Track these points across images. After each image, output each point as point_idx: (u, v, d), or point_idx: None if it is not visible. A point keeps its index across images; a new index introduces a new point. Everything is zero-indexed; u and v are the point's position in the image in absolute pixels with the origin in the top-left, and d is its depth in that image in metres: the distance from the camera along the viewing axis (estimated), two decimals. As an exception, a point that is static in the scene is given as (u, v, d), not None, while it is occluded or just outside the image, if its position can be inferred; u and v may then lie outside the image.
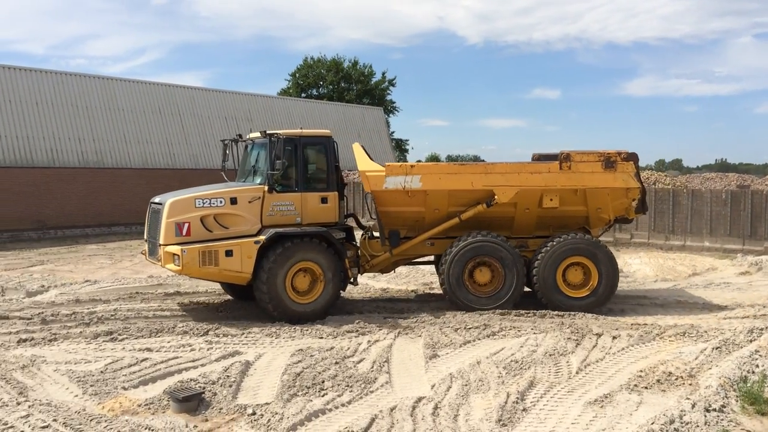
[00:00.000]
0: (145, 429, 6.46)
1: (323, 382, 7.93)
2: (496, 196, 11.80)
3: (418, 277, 15.85)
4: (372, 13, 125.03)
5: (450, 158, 78.57)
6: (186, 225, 10.66)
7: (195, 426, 6.66)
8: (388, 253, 12.18)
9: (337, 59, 55.00)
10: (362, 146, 12.62)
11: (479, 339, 9.91)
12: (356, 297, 13.46)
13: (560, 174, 11.90)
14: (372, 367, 8.57)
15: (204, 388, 7.58)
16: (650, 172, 27.11)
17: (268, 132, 11.43)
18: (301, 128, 11.92)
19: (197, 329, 10.30)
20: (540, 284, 11.76)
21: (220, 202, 10.89)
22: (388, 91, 56.37)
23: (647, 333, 10.10)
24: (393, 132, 53.67)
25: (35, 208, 25.86)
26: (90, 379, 7.97)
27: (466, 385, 7.83)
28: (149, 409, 7.13)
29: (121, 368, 8.41)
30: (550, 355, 9.00)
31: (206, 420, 6.91)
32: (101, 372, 8.23)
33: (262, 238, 10.81)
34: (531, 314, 11.44)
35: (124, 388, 7.76)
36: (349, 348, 9.36)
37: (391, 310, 12.09)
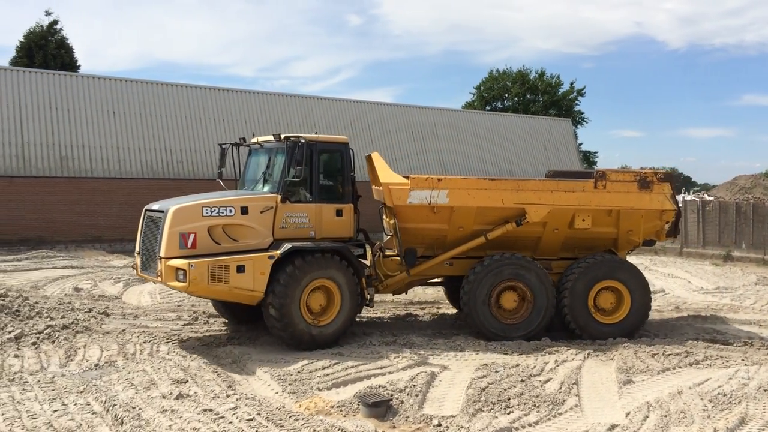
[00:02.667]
0: (338, 430, 6.76)
1: (509, 399, 7.78)
2: (527, 215, 10.87)
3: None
4: (563, 21, 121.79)
5: (643, 171, 73.72)
6: (192, 236, 9.54)
7: (383, 432, 6.85)
8: (405, 273, 11.20)
9: (523, 71, 54.26)
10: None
11: (680, 367, 9.16)
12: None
13: (594, 193, 11.03)
14: (560, 387, 8.25)
15: (392, 395, 7.78)
16: None
17: (285, 135, 10.42)
18: (315, 133, 11.07)
19: (385, 339, 10.62)
20: (570, 309, 10.88)
21: (230, 211, 9.84)
22: (576, 102, 54.39)
23: None
24: (581, 144, 51.65)
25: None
26: (288, 378, 8.53)
27: (665, 416, 7.25)
28: (341, 411, 7.46)
29: (316, 370, 8.90)
30: (765, 390, 8.06)
31: (394, 427, 7.08)
32: (298, 372, 8.78)
33: (276, 252, 9.74)
34: (741, 343, 10.39)
35: (319, 389, 8.20)
36: (535, 366, 9.10)
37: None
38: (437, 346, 10.16)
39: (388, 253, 11.50)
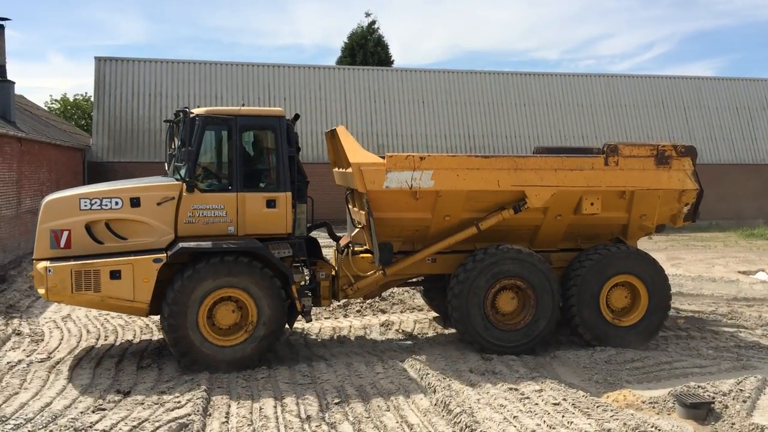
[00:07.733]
0: (652, 427, 6.34)
1: None
2: (527, 199, 8.95)
3: None
4: None
5: None
6: (65, 233, 7.94)
7: (704, 436, 6.24)
8: (381, 272, 9.15)
9: None
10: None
11: None
12: None
13: (606, 171, 9.20)
14: None
15: (713, 397, 7.05)
16: None
17: (178, 109, 8.38)
18: (242, 104, 8.78)
19: (703, 334, 9.68)
20: (579, 311, 9.18)
21: (116, 203, 8.03)
22: None
23: None
24: None
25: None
26: (596, 366, 8.27)
27: None
28: (653, 407, 6.99)
29: (624, 361, 8.48)
30: None
31: (716, 432, 6.42)
32: (606, 362, 8.44)
33: (163, 255, 7.93)
34: None
35: (628, 382, 7.80)
36: None
37: None
38: (769, 350, 8.94)
39: (357, 249, 9.69)
